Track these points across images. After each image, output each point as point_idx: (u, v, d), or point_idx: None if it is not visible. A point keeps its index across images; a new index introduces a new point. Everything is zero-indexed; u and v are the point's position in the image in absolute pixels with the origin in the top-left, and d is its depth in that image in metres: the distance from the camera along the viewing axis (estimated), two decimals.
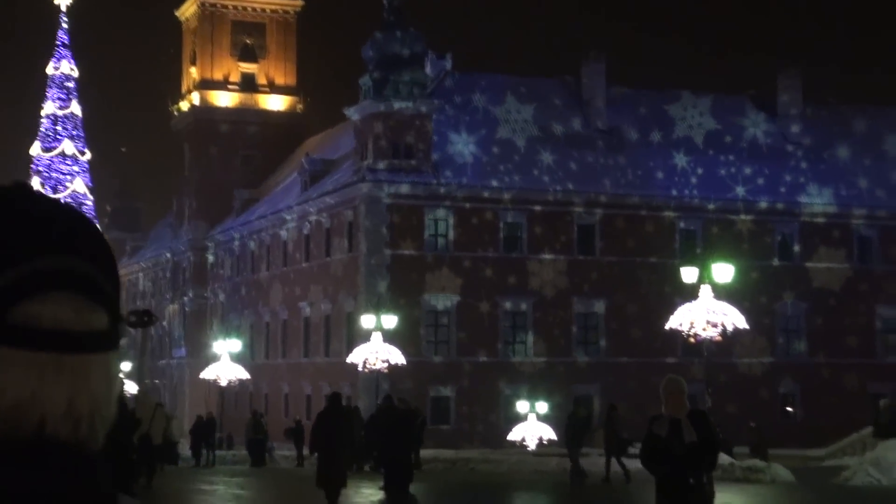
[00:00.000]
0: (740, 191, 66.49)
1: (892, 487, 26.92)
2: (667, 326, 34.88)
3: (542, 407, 51.28)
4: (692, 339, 34.16)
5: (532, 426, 50.69)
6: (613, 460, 30.27)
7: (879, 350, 67.54)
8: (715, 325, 33.14)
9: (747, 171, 67.67)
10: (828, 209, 67.50)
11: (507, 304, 63.10)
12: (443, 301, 62.25)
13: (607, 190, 64.72)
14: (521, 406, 53.67)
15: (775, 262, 65.28)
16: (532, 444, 49.31)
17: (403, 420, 23.85)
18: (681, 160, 67.36)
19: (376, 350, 46.98)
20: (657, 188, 65.88)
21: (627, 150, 67.15)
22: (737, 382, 60.24)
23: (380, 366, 46.85)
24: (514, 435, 51.53)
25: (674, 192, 65.93)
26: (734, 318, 33.30)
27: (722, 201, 65.97)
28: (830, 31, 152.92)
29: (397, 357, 47.11)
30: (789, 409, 65.98)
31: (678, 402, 11.97)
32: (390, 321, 48.49)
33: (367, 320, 49.46)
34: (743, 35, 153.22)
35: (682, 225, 65.73)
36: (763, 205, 66.59)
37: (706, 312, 33.02)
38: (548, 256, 63.48)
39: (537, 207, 63.54)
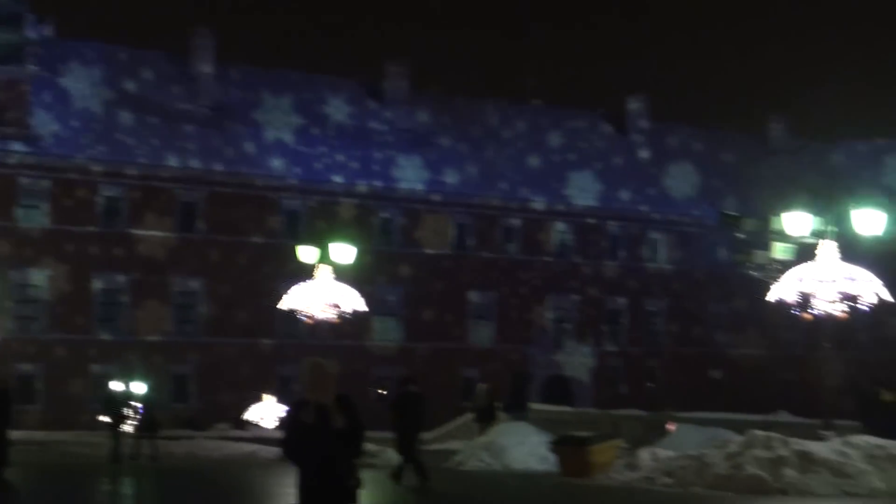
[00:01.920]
0: (338, 177, 66.62)
1: (505, 471, 27.42)
2: (282, 306, 34.27)
3: (140, 387, 49.60)
4: (309, 320, 33.80)
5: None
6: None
7: (471, 335, 69.19)
8: (336, 307, 32.92)
9: (340, 156, 67.89)
10: (433, 197, 68.64)
11: (103, 281, 60.86)
12: (36, 276, 59.34)
13: (212, 167, 63.56)
14: (115, 385, 51.72)
15: (376, 245, 65.76)
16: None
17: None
18: (287, 139, 66.97)
19: None
20: (260, 167, 65.18)
21: (233, 127, 66.17)
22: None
23: None
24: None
25: (277, 172, 65.34)
26: (353, 301, 33.19)
27: (325, 183, 65.94)
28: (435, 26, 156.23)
29: None
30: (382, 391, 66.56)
31: (324, 387, 11.26)
32: None
33: None
34: (350, 23, 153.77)
35: (286, 205, 65.23)
36: (362, 188, 66.95)
37: (324, 293, 32.75)
38: (147, 232, 61.54)
39: (137, 182, 61.60)
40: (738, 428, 30.52)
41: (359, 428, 11.28)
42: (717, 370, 71.93)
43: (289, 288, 34.33)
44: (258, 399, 53.55)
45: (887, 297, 24.55)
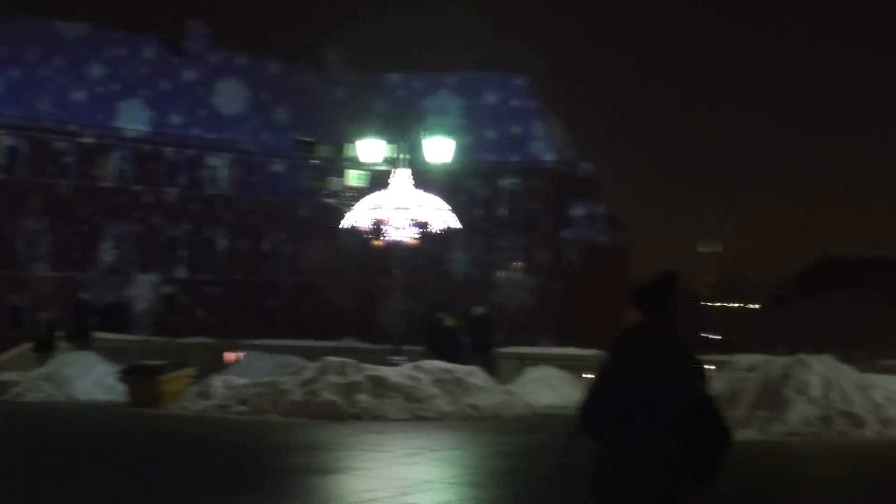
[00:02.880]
0: None
1: (70, 402, 26.19)
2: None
3: None
4: None
5: None
6: None
7: (23, 263, 66.13)
8: None
9: None
10: None
11: None
12: None
13: None
14: None
15: None
16: None
17: None
18: None
19: None
20: None
21: None
22: None
23: None
24: None
25: None
26: None
27: None
28: None
29: None
30: None
31: None
32: None
33: None
34: None
35: None
36: None
37: None
38: None
39: None
40: (308, 354, 30.47)
41: None
42: (277, 298, 72.12)
43: None
44: None
45: (456, 224, 25.05)
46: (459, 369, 22.80)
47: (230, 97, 73.48)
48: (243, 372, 27.88)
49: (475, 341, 26.77)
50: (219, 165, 73.81)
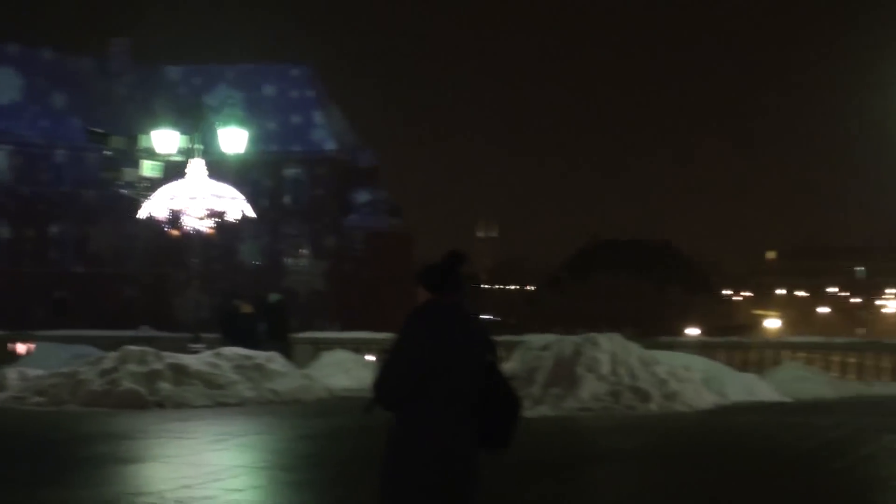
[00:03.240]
0: None
1: None
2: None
3: None
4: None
5: None
6: None
7: None
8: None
9: None
10: None
11: None
12: None
13: None
14: None
15: None
16: None
17: None
18: None
19: None
20: None
21: None
22: None
23: None
24: None
25: None
26: None
27: None
28: None
29: None
30: None
31: None
32: None
33: None
34: None
35: None
36: None
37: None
38: None
39: None
40: (103, 344, 29.56)
41: None
42: (67, 288, 69.85)
43: None
44: None
45: (251, 213, 24.63)
46: (259, 355, 22.43)
47: (3, 86, 70.78)
48: (36, 363, 26.77)
49: (271, 328, 26.36)
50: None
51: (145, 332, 30.66)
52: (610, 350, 18.97)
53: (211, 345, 24.26)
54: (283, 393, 21.33)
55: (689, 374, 19.38)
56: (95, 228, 67.64)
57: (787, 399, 20.45)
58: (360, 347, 27.91)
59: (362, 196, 79.10)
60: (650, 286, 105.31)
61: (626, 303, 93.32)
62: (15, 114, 71.02)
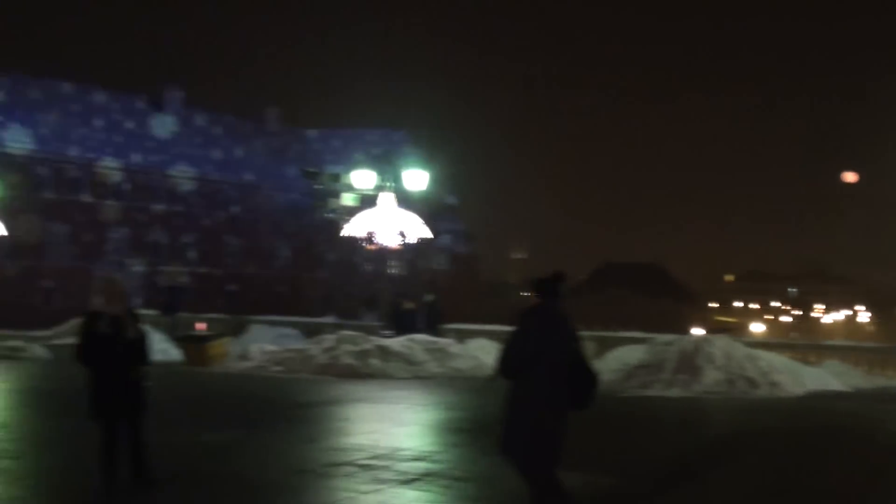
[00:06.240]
0: None
1: None
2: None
3: None
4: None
5: None
6: None
7: None
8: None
9: None
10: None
11: None
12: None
13: None
14: None
15: None
16: None
17: None
18: None
19: None
20: None
21: None
22: None
23: None
24: None
25: None
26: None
27: None
28: None
29: None
30: None
31: (118, 300, 8.54)
32: None
33: None
34: None
35: None
36: None
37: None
38: None
39: None
40: (297, 327, 28.79)
41: (146, 337, 8.73)
42: (286, 286, 68.46)
43: None
44: None
45: (428, 234, 23.71)
46: (440, 340, 21.46)
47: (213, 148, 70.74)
48: (253, 340, 26.10)
49: (427, 320, 25.40)
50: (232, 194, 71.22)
51: (331, 319, 29.78)
52: (722, 347, 17.83)
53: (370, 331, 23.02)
54: (463, 370, 20.33)
55: (782, 367, 18.19)
56: (304, 247, 66.03)
57: (847, 389, 19.16)
58: (491, 335, 26.84)
59: (448, 226, 78.48)
60: (647, 298, 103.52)
61: (633, 310, 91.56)
62: (234, 165, 70.98)
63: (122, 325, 8.34)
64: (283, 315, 29.00)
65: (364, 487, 8.31)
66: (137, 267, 61.02)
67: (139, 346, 8.46)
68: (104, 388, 8.24)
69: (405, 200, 23.88)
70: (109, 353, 8.26)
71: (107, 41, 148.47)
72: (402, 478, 8.74)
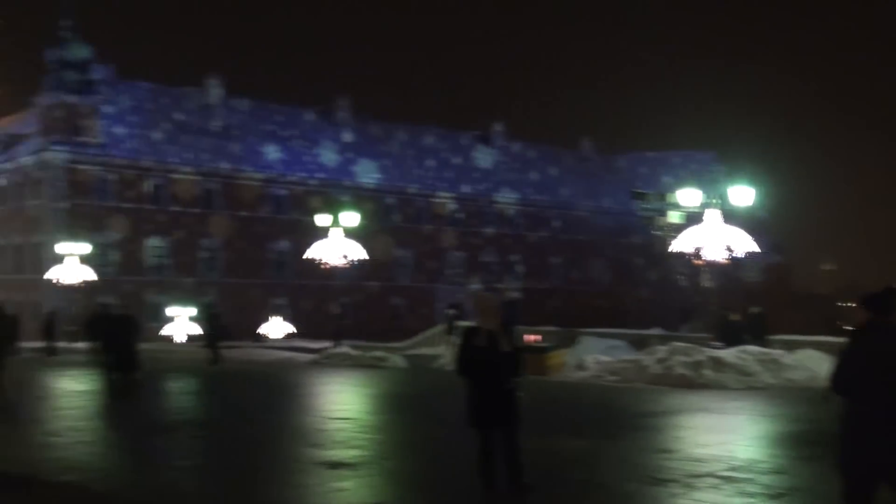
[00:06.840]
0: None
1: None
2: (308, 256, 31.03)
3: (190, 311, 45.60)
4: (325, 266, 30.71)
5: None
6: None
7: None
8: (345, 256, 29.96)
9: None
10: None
11: (154, 241, 56.74)
12: (108, 236, 54.69)
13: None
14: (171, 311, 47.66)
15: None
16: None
17: (123, 320, 18.30)
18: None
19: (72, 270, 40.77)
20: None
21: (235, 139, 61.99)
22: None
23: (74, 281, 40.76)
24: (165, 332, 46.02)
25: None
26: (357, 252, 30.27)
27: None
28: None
29: (90, 275, 40.94)
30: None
31: (492, 316, 8.65)
32: (83, 248, 41.73)
33: (61, 248, 42.13)
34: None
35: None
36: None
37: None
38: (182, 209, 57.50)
39: (174, 175, 57.44)
40: (625, 339, 28.27)
41: (519, 350, 8.76)
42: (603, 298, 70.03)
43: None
44: (265, 320, 49.54)
45: (755, 248, 22.50)
46: (773, 352, 20.22)
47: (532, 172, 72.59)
48: (582, 351, 25.93)
49: (753, 332, 24.05)
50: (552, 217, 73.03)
51: (658, 331, 29.12)
52: None
53: (700, 342, 22.12)
54: (796, 380, 19.02)
55: None
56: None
57: None
58: (819, 346, 24.91)
59: (760, 238, 74.76)
60: None
61: None
62: (551, 187, 72.76)
63: (497, 339, 8.46)
64: (604, 328, 28.60)
65: (734, 500, 7.84)
66: (474, 285, 63.48)
67: (512, 359, 8.53)
68: (482, 399, 8.38)
69: (730, 216, 22.76)
70: (486, 366, 8.40)
71: (436, 83, 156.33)
72: (769, 492, 8.18)
